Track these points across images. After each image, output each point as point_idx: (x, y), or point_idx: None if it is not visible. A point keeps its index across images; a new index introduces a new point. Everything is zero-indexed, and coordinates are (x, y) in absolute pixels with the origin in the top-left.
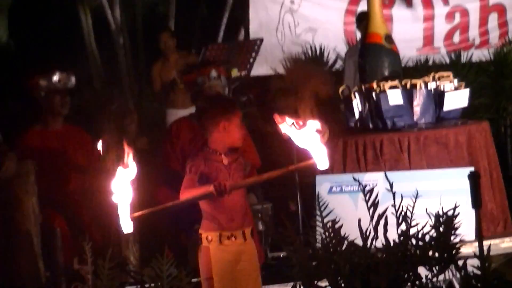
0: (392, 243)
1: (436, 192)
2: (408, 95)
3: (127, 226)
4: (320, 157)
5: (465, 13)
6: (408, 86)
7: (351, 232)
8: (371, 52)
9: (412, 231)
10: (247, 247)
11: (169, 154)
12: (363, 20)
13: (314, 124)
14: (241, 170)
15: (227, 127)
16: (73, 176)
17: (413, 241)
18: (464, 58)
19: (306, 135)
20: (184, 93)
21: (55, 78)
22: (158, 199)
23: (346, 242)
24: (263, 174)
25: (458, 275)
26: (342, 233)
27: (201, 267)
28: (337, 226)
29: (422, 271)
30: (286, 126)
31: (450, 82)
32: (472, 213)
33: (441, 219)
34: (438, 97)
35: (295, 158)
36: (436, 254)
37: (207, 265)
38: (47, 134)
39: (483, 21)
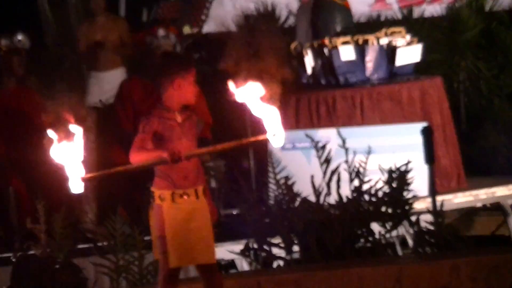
0: (345, 200)
1: (389, 148)
2: (361, 51)
3: (76, 186)
4: (275, 132)
5: None
6: (360, 42)
7: (304, 189)
8: (324, 9)
9: (365, 187)
10: (199, 205)
11: (121, 115)
12: None
13: (260, 90)
14: (194, 127)
15: (182, 84)
16: (28, 136)
17: (366, 197)
18: (416, 13)
19: (261, 104)
20: (108, 55)
21: (18, 38)
22: (112, 159)
23: (299, 199)
24: (217, 144)
25: (411, 231)
26: (295, 190)
27: (154, 225)
28: (290, 182)
29: (376, 227)
30: (241, 93)
31: (403, 37)
32: (425, 168)
33: (394, 175)
34: (390, 52)
35: (249, 125)
36: (389, 210)
37: (160, 223)
38: (2, 94)
39: None
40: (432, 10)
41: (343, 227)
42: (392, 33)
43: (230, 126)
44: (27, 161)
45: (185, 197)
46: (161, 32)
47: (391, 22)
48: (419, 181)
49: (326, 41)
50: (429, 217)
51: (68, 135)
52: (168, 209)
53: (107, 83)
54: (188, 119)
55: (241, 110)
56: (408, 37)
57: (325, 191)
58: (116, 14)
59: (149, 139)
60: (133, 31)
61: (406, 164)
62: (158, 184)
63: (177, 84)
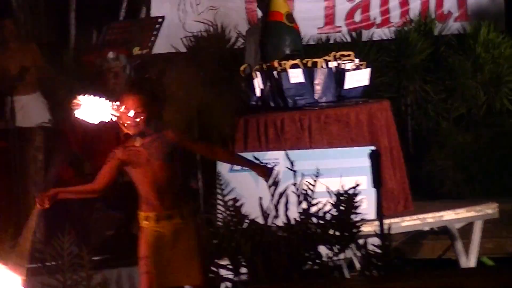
0: (293, 222)
1: (337, 171)
2: (309, 73)
3: None
4: None
5: None
6: (310, 64)
7: (252, 211)
8: (273, 31)
9: (313, 209)
10: (185, 226)
11: (69, 135)
12: None
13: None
14: (164, 147)
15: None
16: None
17: (314, 219)
18: (365, 37)
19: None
20: (27, 80)
21: None
22: (61, 180)
23: (247, 221)
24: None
25: (358, 254)
26: (243, 212)
27: (139, 246)
28: (238, 204)
29: (323, 249)
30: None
31: (351, 61)
32: (372, 192)
33: (341, 198)
34: (339, 75)
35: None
36: (337, 233)
37: (144, 244)
38: None
39: (385, 0)
40: (381, 33)
41: (291, 249)
42: (341, 56)
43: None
44: None
45: (169, 218)
46: (111, 54)
47: (340, 45)
48: (366, 204)
49: (275, 63)
50: (376, 240)
51: None
52: (152, 230)
53: (26, 107)
54: (155, 141)
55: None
56: (357, 60)
57: (273, 213)
58: (26, 40)
59: (109, 168)
60: (83, 53)
61: (354, 187)
62: (143, 207)
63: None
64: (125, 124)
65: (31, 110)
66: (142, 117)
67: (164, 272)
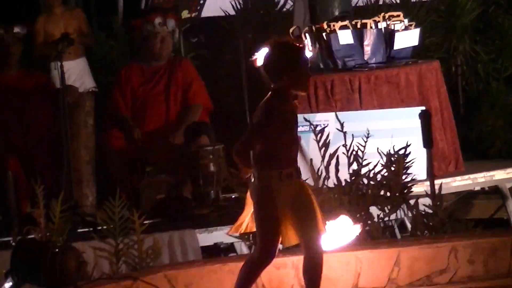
0: (344, 183)
1: (388, 132)
2: (359, 35)
3: None
4: None
5: None
6: (359, 26)
7: (303, 173)
8: None
9: (364, 170)
10: (302, 182)
11: (118, 100)
12: None
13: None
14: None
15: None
16: (26, 119)
17: (365, 180)
18: None
19: None
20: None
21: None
22: (109, 145)
23: None
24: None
25: (409, 214)
26: None
27: (261, 205)
28: None
29: (374, 210)
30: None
31: (401, 21)
32: (423, 152)
33: (392, 159)
34: (388, 36)
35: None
36: (388, 194)
37: (268, 204)
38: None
39: None
40: None
41: (343, 211)
42: (390, 17)
43: (229, 110)
44: (25, 145)
45: (290, 177)
46: (158, 19)
47: (389, 6)
48: (417, 165)
49: (324, 25)
50: (427, 201)
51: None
52: (277, 188)
53: (71, 73)
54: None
55: (241, 93)
56: (406, 21)
57: (324, 174)
58: (73, 5)
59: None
60: (131, 18)
61: (405, 148)
62: (264, 164)
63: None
64: (306, 82)
65: (78, 75)
66: None
67: (291, 230)
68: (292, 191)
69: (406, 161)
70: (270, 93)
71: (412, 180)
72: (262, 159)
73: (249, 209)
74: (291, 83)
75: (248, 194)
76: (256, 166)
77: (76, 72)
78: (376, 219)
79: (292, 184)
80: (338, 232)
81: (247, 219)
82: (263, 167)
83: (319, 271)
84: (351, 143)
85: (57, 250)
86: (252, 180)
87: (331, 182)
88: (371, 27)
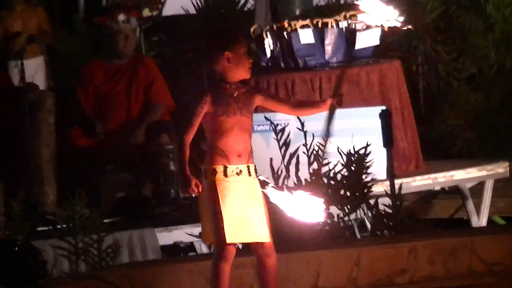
0: (303, 182)
1: (348, 131)
2: (320, 34)
3: None
4: None
5: None
6: (320, 25)
7: (263, 171)
8: None
9: (324, 170)
10: (253, 182)
11: (80, 97)
12: None
13: None
14: (250, 104)
15: (232, 58)
16: None
17: (325, 180)
18: None
19: None
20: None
21: None
22: (72, 142)
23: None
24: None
25: (369, 214)
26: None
27: (206, 203)
28: None
29: (334, 210)
30: None
31: (362, 21)
32: (384, 152)
33: (352, 158)
34: (349, 35)
35: None
36: (348, 193)
37: (213, 199)
38: None
39: None
40: None
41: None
42: (351, 16)
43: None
44: None
45: (238, 173)
46: (121, 16)
47: (350, 5)
48: (377, 164)
49: (286, 24)
50: (387, 200)
51: None
52: (221, 184)
53: (30, 71)
54: (244, 94)
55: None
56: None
57: (284, 174)
58: (35, 3)
59: (198, 122)
60: (94, 16)
61: (365, 147)
62: (211, 160)
63: (227, 58)
64: (245, 67)
65: (38, 73)
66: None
67: (236, 226)
68: (241, 189)
69: (366, 160)
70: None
71: (372, 179)
72: (208, 153)
73: (204, 210)
74: (227, 63)
75: (200, 195)
76: (204, 161)
77: (35, 70)
78: (336, 219)
79: (240, 181)
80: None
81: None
82: (208, 162)
83: (272, 274)
84: (312, 142)
85: (16, 248)
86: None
87: (291, 182)
88: (332, 26)
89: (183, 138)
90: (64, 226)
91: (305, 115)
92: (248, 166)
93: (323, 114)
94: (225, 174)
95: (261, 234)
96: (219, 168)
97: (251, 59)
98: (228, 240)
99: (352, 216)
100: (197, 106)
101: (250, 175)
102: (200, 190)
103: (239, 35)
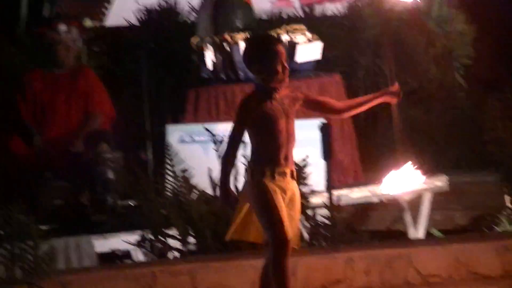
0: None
1: None
2: None
3: None
4: None
5: None
6: None
7: (201, 182)
8: (225, 4)
9: None
10: (294, 186)
11: (20, 105)
12: None
13: None
14: (293, 106)
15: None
16: None
17: None
18: (318, 12)
19: None
20: None
21: None
22: (11, 150)
23: (196, 191)
24: None
25: (307, 225)
26: (193, 182)
27: (259, 200)
28: (187, 175)
29: None
30: None
31: (303, 35)
32: (323, 163)
33: None
34: (291, 49)
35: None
36: None
37: (263, 198)
38: None
39: None
40: (334, 8)
41: None
42: (293, 30)
43: (129, 119)
44: None
45: (283, 175)
46: (62, 27)
47: (292, 19)
48: (316, 176)
49: (227, 36)
50: (325, 212)
51: None
52: (269, 185)
53: None
54: (287, 97)
55: (141, 103)
56: (308, 34)
57: None
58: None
59: (243, 133)
60: (35, 26)
61: (304, 159)
62: (259, 161)
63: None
64: (280, 73)
65: None
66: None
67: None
68: (284, 192)
69: (304, 172)
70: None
71: (311, 191)
72: (254, 155)
73: (238, 212)
74: (263, 75)
75: (240, 199)
76: (249, 163)
77: None
78: None
79: (287, 183)
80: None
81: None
82: (255, 163)
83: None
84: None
85: None
86: (246, 179)
87: None
88: None
89: (230, 150)
90: (1, 232)
91: (353, 114)
92: (292, 170)
93: None
94: (273, 176)
95: (295, 239)
96: (268, 170)
97: (285, 69)
98: (289, 238)
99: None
100: (242, 115)
101: (293, 178)
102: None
103: (275, 44)
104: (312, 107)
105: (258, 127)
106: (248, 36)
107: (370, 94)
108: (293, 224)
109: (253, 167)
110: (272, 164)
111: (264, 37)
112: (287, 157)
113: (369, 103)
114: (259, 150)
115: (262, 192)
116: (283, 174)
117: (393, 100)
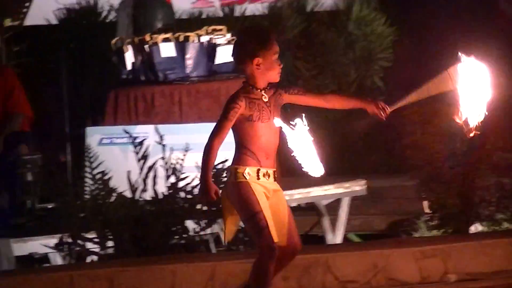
0: (161, 196)
1: None
2: (181, 48)
3: None
4: None
5: None
6: (181, 39)
7: (121, 184)
8: (145, 4)
9: (181, 184)
10: (277, 187)
11: None
12: None
13: None
14: (279, 105)
15: (262, 64)
16: None
17: (182, 194)
18: (238, 12)
19: None
20: None
21: None
22: None
23: (115, 194)
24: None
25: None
26: (112, 185)
27: (243, 203)
28: (106, 178)
29: (191, 224)
30: None
31: (223, 36)
32: None
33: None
34: (210, 50)
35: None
36: (205, 208)
37: (250, 200)
38: None
39: None
40: (254, 9)
41: (158, 223)
42: (213, 31)
43: (49, 119)
44: None
45: (267, 176)
46: None
47: (212, 20)
48: None
49: (147, 37)
50: None
51: None
52: (253, 186)
53: None
54: (274, 96)
55: (61, 103)
56: (229, 35)
57: (141, 187)
58: None
59: (229, 127)
60: None
61: (222, 162)
62: (243, 162)
63: (259, 64)
64: (275, 72)
65: None
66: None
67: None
68: (268, 192)
69: (223, 175)
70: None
71: None
72: (239, 155)
73: (227, 213)
74: (256, 70)
75: (223, 197)
76: (233, 162)
77: None
78: (192, 233)
79: (271, 184)
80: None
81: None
82: (239, 163)
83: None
84: (170, 156)
85: None
86: (228, 179)
87: (149, 195)
88: (193, 41)
89: (211, 142)
90: None
91: (340, 107)
92: (274, 171)
93: (183, 128)
94: (258, 177)
95: (282, 238)
96: (252, 170)
97: (281, 64)
98: (275, 240)
99: (208, 231)
100: (229, 111)
101: (274, 180)
102: (219, 197)
103: (269, 40)
104: (298, 100)
105: (245, 126)
106: (241, 29)
107: (357, 98)
108: (280, 223)
109: (236, 168)
110: (257, 164)
111: (263, 31)
112: (269, 157)
113: (353, 103)
114: (244, 149)
115: (245, 194)
116: (267, 174)
117: (380, 117)
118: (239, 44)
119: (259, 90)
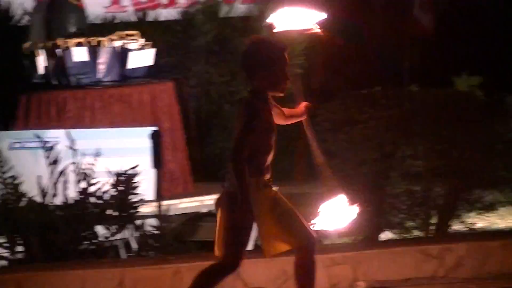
0: (71, 201)
1: (118, 151)
2: (94, 52)
3: None
4: None
5: None
6: (94, 43)
7: (32, 189)
8: (58, 8)
9: (92, 189)
10: (275, 191)
11: None
12: None
13: None
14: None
15: (271, 77)
16: None
17: (93, 199)
18: (151, 17)
19: None
20: None
21: None
22: None
23: (25, 199)
24: None
25: (136, 235)
26: (22, 190)
27: (231, 214)
28: (16, 182)
29: (101, 229)
30: None
31: (136, 41)
32: (152, 172)
33: (121, 178)
34: (123, 55)
35: None
36: (115, 213)
37: (241, 211)
38: None
39: None
40: (167, 14)
41: (68, 229)
42: (126, 36)
43: None
44: None
45: (269, 185)
46: None
47: (125, 25)
48: (146, 185)
49: (59, 41)
50: (154, 221)
51: None
52: (255, 197)
53: None
54: (274, 109)
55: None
56: (142, 40)
57: (51, 191)
58: None
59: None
60: None
61: (134, 168)
62: (260, 172)
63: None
64: (282, 86)
65: None
66: None
67: (272, 239)
68: (270, 199)
69: (134, 181)
70: (248, 94)
71: (140, 200)
72: (255, 166)
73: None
74: (267, 82)
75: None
76: (253, 174)
77: None
78: (101, 238)
79: (269, 192)
80: (337, 213)
81: None
82: (257, 174)
83: (313, 273)
84: (81, 161)
85: None
86: (225, 185)
87: (59, 200)
88: (106, 45)
89: (241, 157)
90: None
91: (290, 122)
92: (270, 177)
93: (94, 133)
94: (258, 187)
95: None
96: (252, 181)
97: (290, 78)
98: (268, 256)
99: (118, 236)
100: (253, 122)
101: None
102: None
103: (282, 53)
104: (276, 116)
105: (258, 135)
106: (255, 39)
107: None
108: (288, 229)
109: (257, 178)
110: (262, 173)
111: (276, 42)
112: (269, 167)
113: (296, 116)
114: (259, 160)
115: (235, 207)
116: (266, 184)
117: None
118: (252, 54)
119: (267, 102)
